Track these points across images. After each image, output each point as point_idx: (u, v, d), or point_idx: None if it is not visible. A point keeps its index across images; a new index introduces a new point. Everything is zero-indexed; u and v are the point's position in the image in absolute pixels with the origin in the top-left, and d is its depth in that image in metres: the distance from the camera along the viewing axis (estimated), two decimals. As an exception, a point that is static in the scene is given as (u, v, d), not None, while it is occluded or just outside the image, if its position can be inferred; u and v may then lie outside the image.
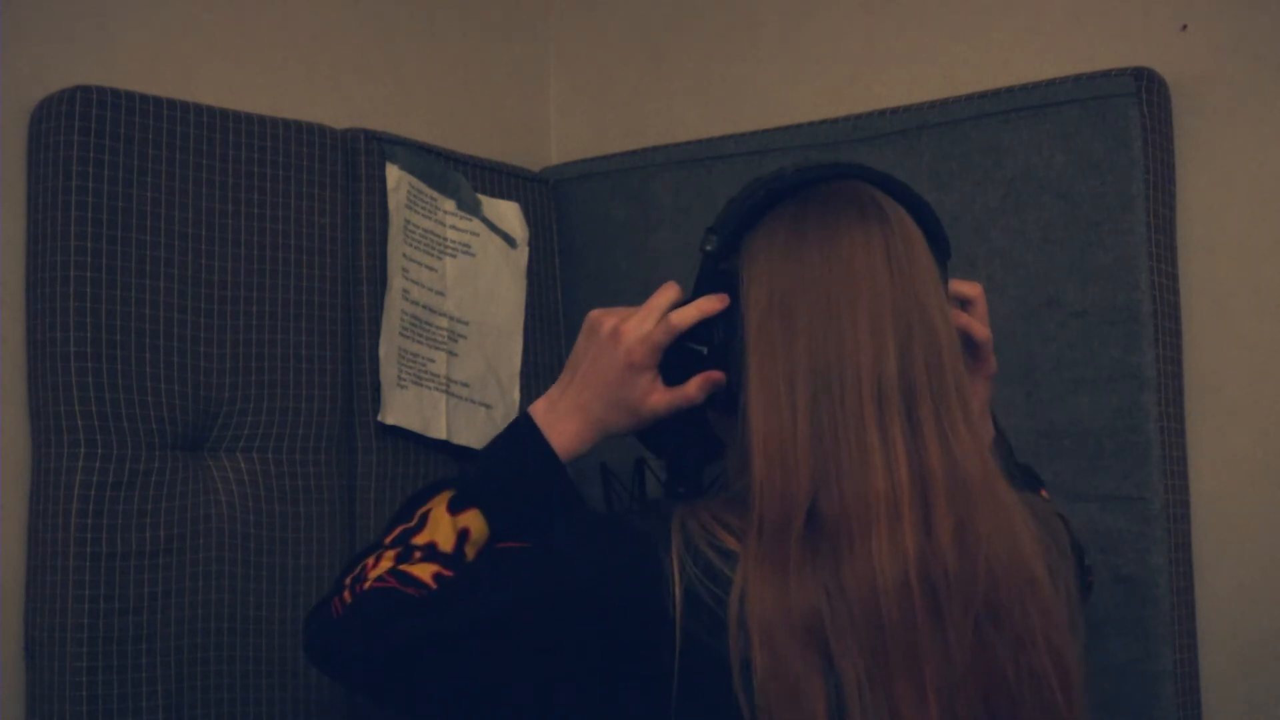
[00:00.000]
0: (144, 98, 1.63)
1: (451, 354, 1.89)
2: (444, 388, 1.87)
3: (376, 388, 1.80)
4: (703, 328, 1.27)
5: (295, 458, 1.73)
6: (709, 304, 1.26)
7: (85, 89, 1.58)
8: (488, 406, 1.94)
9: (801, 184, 1.24)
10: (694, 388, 1.27)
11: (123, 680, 1.55)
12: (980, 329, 1.33)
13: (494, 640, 1.17)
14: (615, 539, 1.19)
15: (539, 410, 1.32)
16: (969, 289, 1.33)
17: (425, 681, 1.18)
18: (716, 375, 1.26)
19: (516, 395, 1.98)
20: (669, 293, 1.30)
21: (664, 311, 1.29)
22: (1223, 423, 1.70)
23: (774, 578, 1.13)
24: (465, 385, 1.91)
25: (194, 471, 1.65)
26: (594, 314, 1.32)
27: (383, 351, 1.80)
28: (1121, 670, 1.65)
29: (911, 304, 1.19)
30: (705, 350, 1.27)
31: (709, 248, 1.25)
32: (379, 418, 1.79)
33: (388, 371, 1.80)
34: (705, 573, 1.14)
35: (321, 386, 1.76)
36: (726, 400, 1.26)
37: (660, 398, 1.29)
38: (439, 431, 1.86)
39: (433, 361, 1.86)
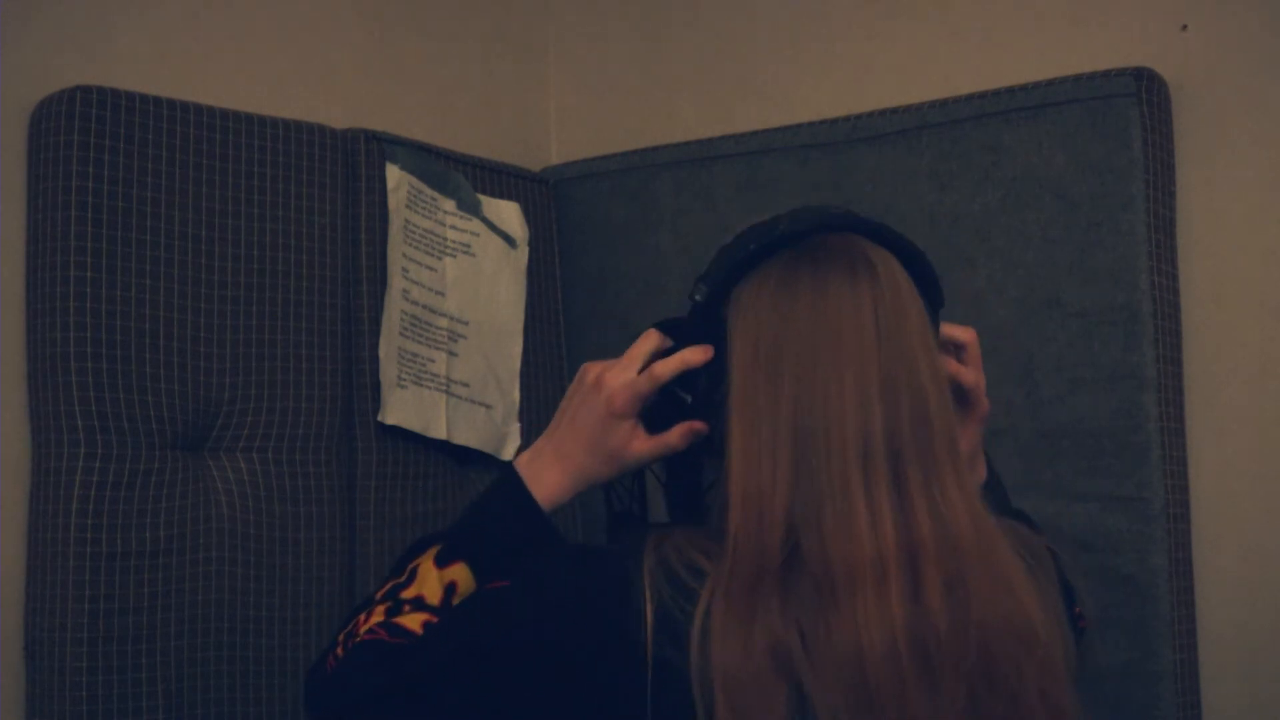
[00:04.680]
0: (144, 98, 1.63)
1: (451, 354, 1.89)
2: (444, 388, 1.87)
3: (376, 388, 1.80)
4: (688, 375, 1.27)
5: (295, 458, 1.73)
6: (693, 355, 1.25)
7: (85, 89, 1.58)
8: (488, 406, 1.94)
9: (794, 236, 1.23)
10: (676, 436, 1.28)
11: (123, 680, 1.55)
12: (969, 375, 1.32)
13: (477, 672, 1.18)
14: (588, 564, 1.21)
15: (523, 461, 1.34)
16: (962, 334, 1.32)
17: None
18: (699, 426, 1.26)
19: (516, 395, 1.98)
20: (650, 340, 1.30)
21: (645, 359, 1.29)
22: (1223, 423, 1.70)
23: (740, 615, 1.13)
24: (465, 385, 1.91)
25: (194, 471, 1.65)
26: (585, 365, 1.33)
27: (383, 351, 1.80)
28: (1121, 670, 1.65)
29: (899, 365, 1.17)
30: (689, 398, 1.27)
31: (698, 297, 1.25)
32: (379, 418, 1.79)
33: (388, 371, 1.80)
34: (675, 589, 1.14)
35: (321, 386, 1.76)
36: (711, 447, 1.26)
37: (642, 445, 1.30)
38: (439, 431, 1.86)
39: (433, 361, 1.86)
